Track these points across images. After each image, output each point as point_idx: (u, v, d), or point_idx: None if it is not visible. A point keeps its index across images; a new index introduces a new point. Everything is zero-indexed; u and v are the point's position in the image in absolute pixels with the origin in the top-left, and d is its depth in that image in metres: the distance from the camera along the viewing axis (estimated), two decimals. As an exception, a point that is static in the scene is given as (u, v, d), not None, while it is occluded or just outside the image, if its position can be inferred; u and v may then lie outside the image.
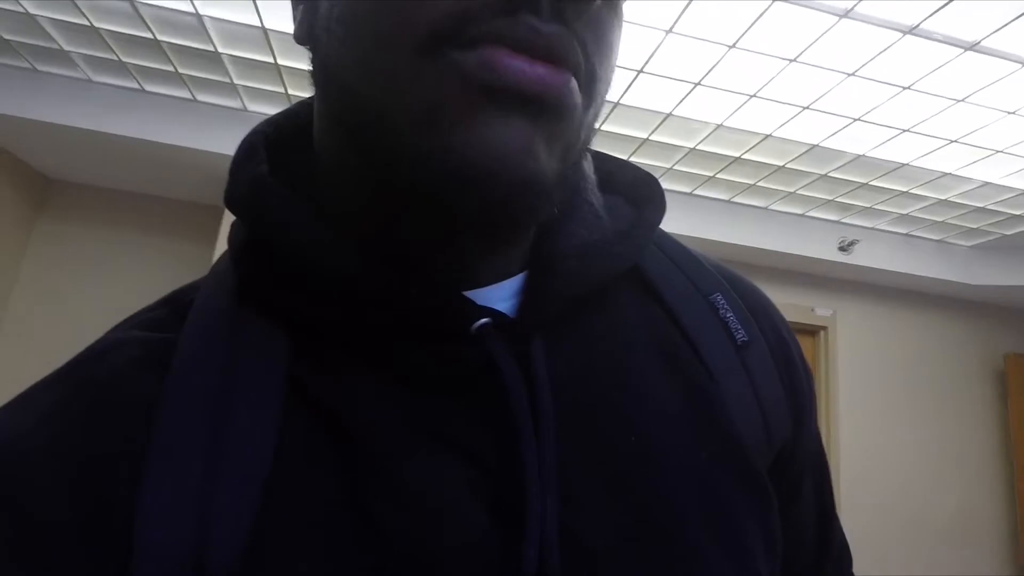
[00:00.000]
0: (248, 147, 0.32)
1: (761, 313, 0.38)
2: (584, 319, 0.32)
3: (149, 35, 1.95)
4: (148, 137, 2.27)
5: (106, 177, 2.75)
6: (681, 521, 0.28)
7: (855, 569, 0.42)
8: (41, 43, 2.04)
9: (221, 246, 2.47)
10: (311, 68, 0.30)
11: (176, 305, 0.30)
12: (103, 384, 0.26)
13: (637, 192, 0.37)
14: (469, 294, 0.29)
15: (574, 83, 0.25)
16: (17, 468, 0.23)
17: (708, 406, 0.32)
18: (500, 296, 0.30)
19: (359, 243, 0.28)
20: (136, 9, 1.82)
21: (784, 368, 0.36)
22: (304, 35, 0.30)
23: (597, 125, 0.30)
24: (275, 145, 0.32)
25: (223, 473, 0.24)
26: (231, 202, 0.31)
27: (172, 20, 1.88)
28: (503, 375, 0.27)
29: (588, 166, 0.36)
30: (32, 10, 1.87)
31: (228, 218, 2.51)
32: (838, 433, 2.98)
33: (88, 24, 1.91)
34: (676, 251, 0.38)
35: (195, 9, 1.80)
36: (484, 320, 0.27)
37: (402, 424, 0.26)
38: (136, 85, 2.26)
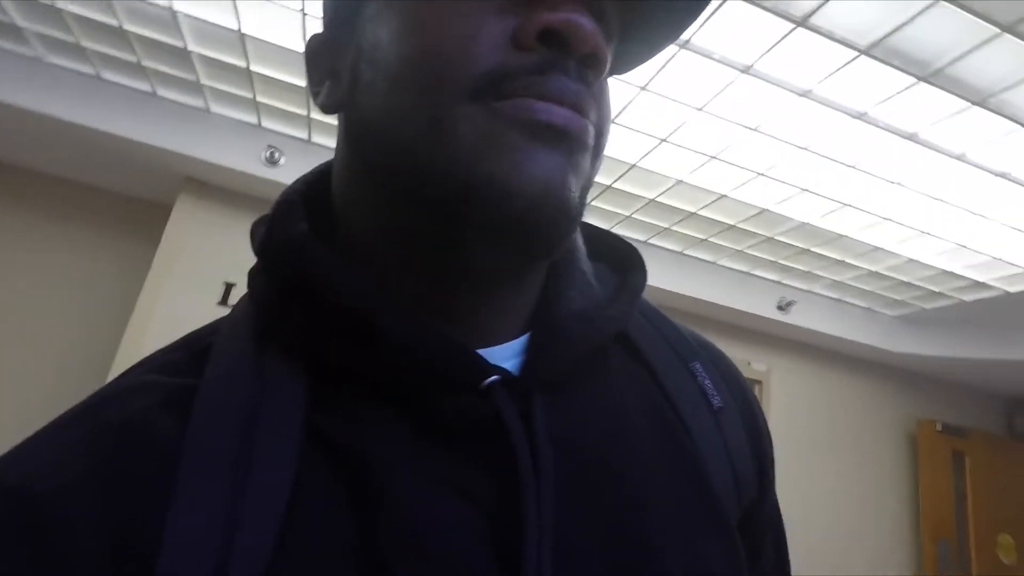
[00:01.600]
0: (286, 206, 0.34)
1: (732, 381, 0.42)
2: (580, 379, 0.34)
3: (115, 22, 1.87)
4: (100, 127, 2.16)
5: (50, 163, 2.59)
6: (666, 573, 0.30)
7: None
8: (-7, 15, 1.93)
9: (167, 245, 2.35)
10: (343, 130, 0.33)
11: (193, 349, 0.32)
12: (128, 426, 0.26)
13: (621, 260, 0.41)
14: (480, 352, 0.31)
15: (591, 127, 0.29)
16: (43, 504, 0.23)
17: (689, 465, 0.35)
18: (505, 355, 0.32)
19: (389, 296, 0.30)
20: (106, -4, 1.75)
21: (752, 433, 0.40)
22: (336, 103, 0.34)
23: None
24: (308, 203, 0.35)
25: (243, 518, 0.24)
26: (266, 253, 0.33)
27: (142, 11, 1.81)
28: (510, 432, 0.29)
29: (579, 237, 0.39)
30: (-11, -19, 1.76)
31: (177, 218, 2.40)
32: (765, 485, 3.09)
33: (47, 2, 1.82)
34: (656, 318, 0.42)
35: (169, 3, 1.75)
36: (495, 377, 0.30)
37: (413, 470, 0.28)
38: (93, 71, 2.16)
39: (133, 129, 2.20)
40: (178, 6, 1.76)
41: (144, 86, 2.20)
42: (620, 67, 0.39)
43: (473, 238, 0.28)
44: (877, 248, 2.57)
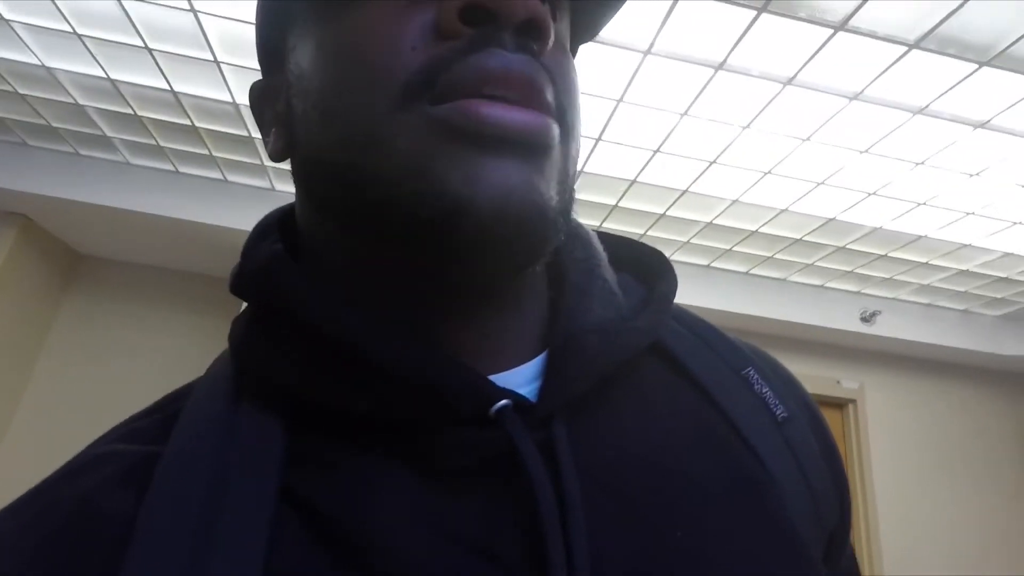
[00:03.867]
0: (262, 228, 0.31)
1: (794, 388, 0.36)
2: (610, 400, 0.29)
3: (187, 122, 2.06)
4: (179, 215, 2.36)
5: (133, 252, 2.83)
6: None
7: None
8: (86, 130, 2.16)
9: (243, 320, 2.50)
10: (293, 172, 0.30)
11: (165, 413, 0.29)
12: (76, 504, 0.24)
13: (646, 267, 0.36)
14: (491, 378, 0.27)
15: (554, 124, 0.25)
16: None
17: (758, 492, 0.29)
18: (520, 380, 0.28)
19: (371, 319, 0.27)
20: (178, 99, 1.94)
21: (824, 447, 0.34)
22: (283, 147, 0.30)
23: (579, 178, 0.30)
24: (289, 229, 0.32)
25: None
26: (241, 282, 0.29)
27: (209, 108, 1.99)
28: (525, 464, 0.24)
29: (598, 244, 0.35)
30: (81, 100, 1.99)
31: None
32: (875, 511, 2.84)
33: (132, 112, 2.03)
34: (699, 326, 0.36)
35: (232, 98, 1.91)
36: (504, 402, 0.25)
37: (416, 528, 0.24)
38: (171, 167, 2.37)
39: (208, 213, 2.38)
40: (241, 99, 1.92)
41: (215, 174, 2.40)
42: (583, 32, 0.34)
43: (440, 263, 0.25)
44: (965, 245, 2.38)
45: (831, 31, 1.47)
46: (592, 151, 2.02)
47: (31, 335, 2.69)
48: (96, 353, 2.77)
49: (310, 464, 0.25)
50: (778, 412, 0.32)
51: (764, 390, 0.33)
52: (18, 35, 1.71)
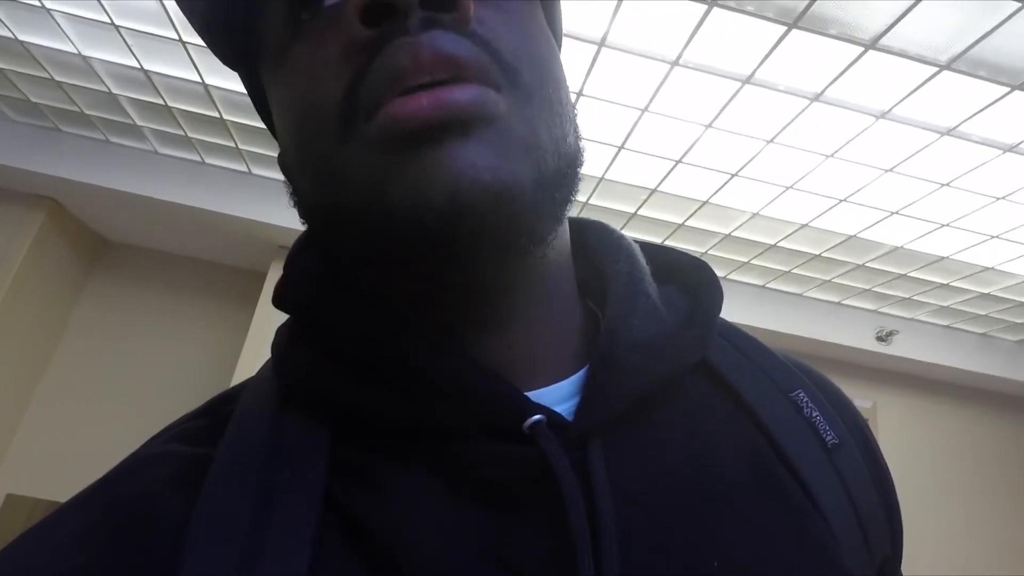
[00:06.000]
0: (302, 241, 0.32)
1: (845, 411, 0.35)
2: (651, 420, 0.28)
3: (216, 114, 2.09)
4: (203, 206, 2.39)
5: (157, 240, 2.88)
6: None
7: None
8: (117, 118, 2.20)
9: (260, 311, 2.53)
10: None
11: (216, 416, 0.29)
12: (132, 505, 0.25)
13: (690, 279, 0.35)
14: (528, 395, 0.27)
15: (483, 89, 0.23)
16: None
17: (804, 521, 0.27)
18: (557, 397, 0.28)
19: (406, 331, 0.27)
20: (208, 92, 1.97)
21: (876, 475, 0.33)
22: (295, 203, 0.31)
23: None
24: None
25: None
26: (283, 296, 0.30)
27: (237, 102, 2.02)
28: (559, 482, 0.24)
29: (641, 257, 0.34)
30: (114, 89, 2.03)
31: (270, 283, 2.58)
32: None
33: (162, 103, 2.06)
34: (746, 343, 0.35)
35: (261, 93, 1.94)
36: (537, 417, 0.25)
37: (450, 543, 0.23)
38: (198, 158, 2.41)
39: (232, 205, 2.42)
40: (268, 94, 1.95)
41: (240, 167, 2.43)
42: None
43: (435, 271, 0.25)
44: (987, 268, 2.35)
45: (861, 49, 1.46)
46: (614, 159, 2.03)
47: (56, 314, 2.74)
48: (116, 335, 2.82)
49: (351, 473, 0.25)
50: (828, 437, 0.31)
51: (814, 414, 0.32)
52: (57, 23, 1.75)
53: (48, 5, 1.68)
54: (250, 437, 0.26)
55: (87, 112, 2.19)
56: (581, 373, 0.29)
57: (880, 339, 2.86)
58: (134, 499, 0.25)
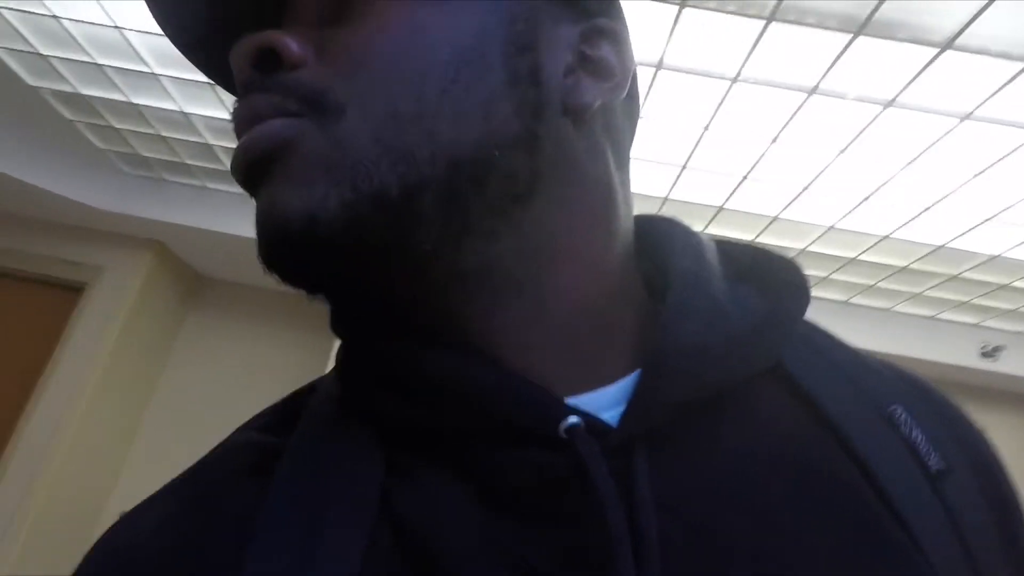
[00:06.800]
0: None
1: (960, 431, 0.30)
2: (706, 429, 0.26)
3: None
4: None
5: (248, 275, 3.11)
6: None
7: None
8: (212, 165, 2.43)
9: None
10: None
11: (292, 408, 0.30)
12: (213, 492, 0.26)
13: (772, 279, 0.31)
14: (569, 401, 0.25)
15: (276, 121, 0.24)
16: (138, 568, 0.24)
17: (890, 555, 0.24)
18: (603, 402, 0.26)
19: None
20: (291, 137, 2.14)
21: (996, 506, 0.28)
22: None
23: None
24: None
25: None
26: (332, 322, 0.32)
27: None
28: (597, 490, 0.22)
29: (713, 255, 0.32)
30: (211, 140, 2.24)
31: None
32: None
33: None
34: (836, 350, 0.31)
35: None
36: (573, 419, 0.23)
37: (482, 550, 0.23)
38: (282, 197, 2.60)
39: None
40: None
41: (320, 204, 2.60)
42: None
43: (357, 293, 0.28)
44: (1104, 275, 2.14)
45: (936, 50, 1.40)
46: (678, 178, 2.02)
47: (160, 345, 3.02)
48: (211, 363, 3.06)
49: (400, 477, 0.25)
50: (930, 461, 0.27)
51: (914, 433, 0.28)
52: (163, 86, 1.97)
53: (156, 71, 1.89)
54: (318, 432, 0.27)
55: (187, 161, 2.42)
56: (631, 377, 0.27)
57: (986, 355, 2.63)
58: (214, 486, 0.27)
